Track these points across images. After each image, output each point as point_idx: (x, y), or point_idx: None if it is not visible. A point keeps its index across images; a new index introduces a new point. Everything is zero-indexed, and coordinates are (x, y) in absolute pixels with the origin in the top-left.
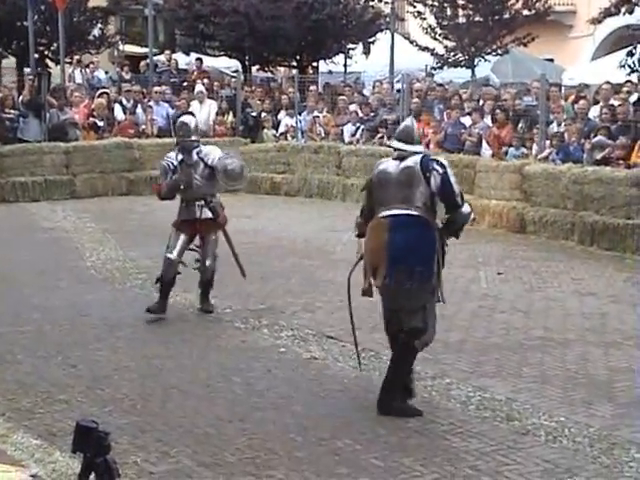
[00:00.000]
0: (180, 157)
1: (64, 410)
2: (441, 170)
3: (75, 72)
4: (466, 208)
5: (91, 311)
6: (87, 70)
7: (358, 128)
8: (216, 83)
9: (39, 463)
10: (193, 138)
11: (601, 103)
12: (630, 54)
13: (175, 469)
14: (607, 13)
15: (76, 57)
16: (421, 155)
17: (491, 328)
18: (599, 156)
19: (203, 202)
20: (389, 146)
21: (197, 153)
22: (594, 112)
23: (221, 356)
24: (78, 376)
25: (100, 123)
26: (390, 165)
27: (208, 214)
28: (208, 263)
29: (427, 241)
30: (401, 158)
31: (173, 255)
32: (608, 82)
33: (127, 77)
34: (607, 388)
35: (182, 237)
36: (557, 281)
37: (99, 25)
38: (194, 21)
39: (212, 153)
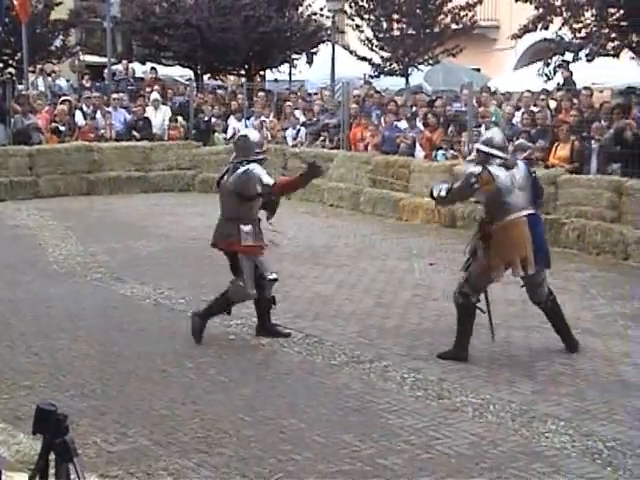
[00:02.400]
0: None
1: (28, 395)
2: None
3: (38, 80)
4: None
5: (54, 303)
6: (49, 78)
7: (299, 131)
8: (170, 90)
9: (4, 445)
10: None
11: (522, 109)
12: (546, 64)
13: (132, 448)
14: (526, 29)
15: (39, 66)
16: (520, 161)
17: (424, 315)
18: (521, 157)
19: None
20: (491, 154)
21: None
22: (517, 117)
23: (175, 343)
24: (41, 364)
25: (62, 128)
26: (507, 173)
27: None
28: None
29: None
30: (507, 166)
31: (254, 292)
32: (528, 90)
33: (87, 85)
34: (527, 368)
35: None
36: None
37: (60, 36)
38: (149, 33)
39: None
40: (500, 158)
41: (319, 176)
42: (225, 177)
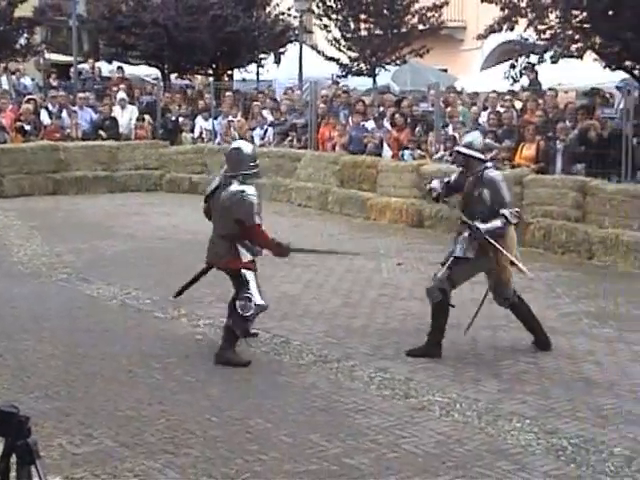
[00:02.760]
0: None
1: None
2: None
3: (2, 79)
4: None
5: (18, 303)
6: (14, 77)
7: (266, 131)
8: (137, 90)
9: None
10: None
11: (489, 110)
12: (512, 66)
13: (97, 450)
14: (491, 30)
15: (2, 64)
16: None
17: (391, 314)
18: (487, 157)
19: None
20: (471, 156)
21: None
22: (483, 118)
23: (142, 344)
24: (5, 365)
25: (27, 127)
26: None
27: None
28: None
29: None
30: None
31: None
32: (494, 91)
33: (54, 84)
34: (493, 366)
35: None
36: None
37: (25, 34)
38: (116, 32)
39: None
40: (481, 161)
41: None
42: (217, 191)
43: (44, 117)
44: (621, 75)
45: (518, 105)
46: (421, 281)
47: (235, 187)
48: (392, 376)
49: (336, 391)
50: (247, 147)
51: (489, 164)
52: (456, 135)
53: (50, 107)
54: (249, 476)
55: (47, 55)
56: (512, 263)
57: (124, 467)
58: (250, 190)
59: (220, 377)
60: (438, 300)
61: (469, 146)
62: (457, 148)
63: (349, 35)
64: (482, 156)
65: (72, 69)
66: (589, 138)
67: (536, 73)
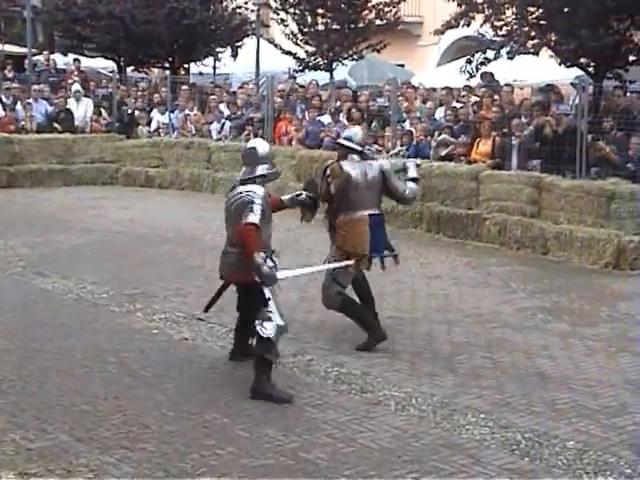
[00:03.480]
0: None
1: None
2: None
3: None
4: None
5: None
6: None
7: (223, 125)
8: (93, 82)
9: None
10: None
11: (445, 105)
12: (469, 61)
13: (52, 445)
14: (448, 26)
15: None
16: (376, 162)
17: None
18: (444, 153)
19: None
20: (350, 148)
21: None
22: (439, 113)
23: (97, 338)
24: None
25: None
26: (359, 172)
27: None
28: None
29: None
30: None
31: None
32: (447, 87)
33: (9, 75)
34: (449, 361)
35: None
36: (407, 265)
37: None
38: (71, 23)
39: None
40: (358, 153)
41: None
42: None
43: None
44: (576, 72)
45: (473, 101)
46: (376, 276)
47: (242, 187)
48: (348, 371)
49: (292, 386)
50: (263, 146)
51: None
52: (412, 130)
53: (4, 99)
54: (205, 471)
55: (1, 46)
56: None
57: (79, 462)
58: (257, 189)
59: (176, 372)
60: (340, 302)
61: (349, 139)
62: (339, 140)
63: (306, 29)
64: (359, 148)
65: (26, 61)
66: (544, 134)
67: (491, 74)
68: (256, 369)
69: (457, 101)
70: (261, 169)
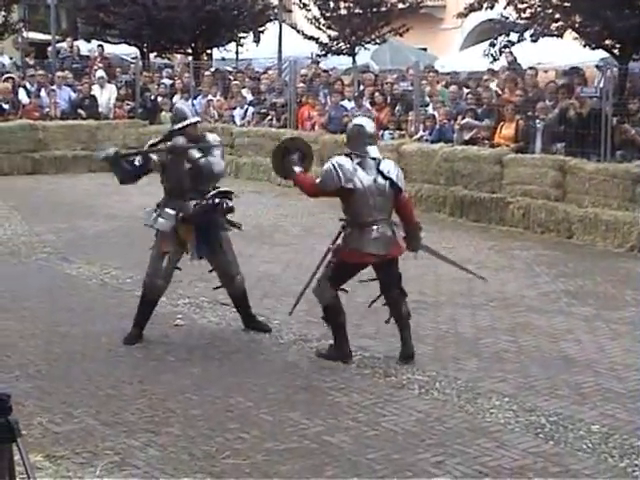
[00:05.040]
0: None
1: None
2: None
3: None
4: None
5: None
6: None
7: (246, 110)
8: (118, 69)
9: None
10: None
11: (468, 89)
12: (492, 45)
13: (79, 428)
14: (471, 8)
15: None
16: None
17: (371, 293)
18: (467, 136)
19: None
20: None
21: None
22: (462, 96)
23: (122, 323)
24: None
25: (5, 106)
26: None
27: None
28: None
29: None
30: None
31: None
32: (470, 72)
33: (31, 63)
34: (473, 345)
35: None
36: None
37: (2, 12)
38: (94, 10)
39: None
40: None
41: None
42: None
43: (22, 96)
44: (601, 54)
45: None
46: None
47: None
48: (372, 354)
49: (316, 370)
50: (370, 124)
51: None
52: (435, 114)
53: (28, 86)
54: (229, 454)
55: (25, 34)
56: None
57: (105, 445)
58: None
59: (200, 356)
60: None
61: None
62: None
63: (328, 14)
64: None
65: (50, 48)
66: (568, 117)
67: (514, 57)
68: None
69: (479, 85)
70: (363, 145)
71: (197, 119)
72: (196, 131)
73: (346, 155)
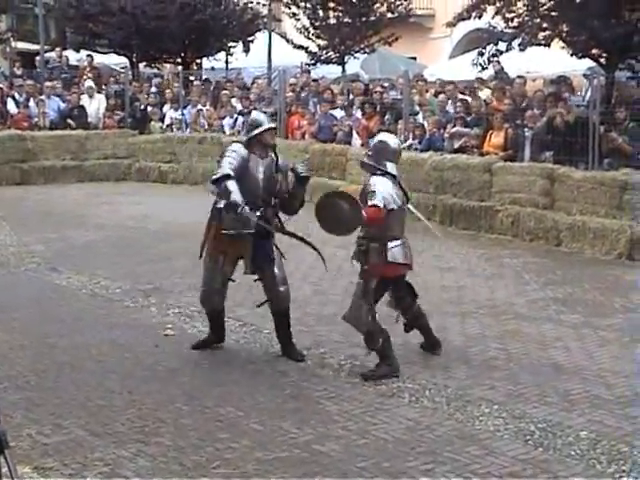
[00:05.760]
0: None
1: None
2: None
3: None
4: None
5: None
6: None
7: (236, 120)
8: (112, 78)
9: None
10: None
11: (457, 97)
12: (481, 54)
13: (68, 439)
14: (460, 17)
15: None
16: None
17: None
18: (457, 145)
19: None
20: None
21: None
22: (450, 105)
23: (112, 333)
24: None
25: None
26: None
27: None
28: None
29: None
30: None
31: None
32: (451, 82)
33: (19, 73)
34: (462, 353)
35: None
36: (420, 258)
37: None
38: (83, 20)
39: None
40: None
41: None
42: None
43: (11, 106)
44: (588, 63)
45: (486, 93)
46: None
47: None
48: (362, 363)
49: (306, 379)
50: (394, 141)
51: None
52: (425, 123)
53: (17, 96)
54: (220, 464)
55: (13, 43)
56: None
57: (94, 456)
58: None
59: (191, 366)
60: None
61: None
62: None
63: (318, 23)
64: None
65: (39, 57)
66: (555, 125)
67: (502, 66)
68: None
69: (468, 94)
70: (384, 163)
71: (272, 125)
72: (272, 138)
73: (382, 175)
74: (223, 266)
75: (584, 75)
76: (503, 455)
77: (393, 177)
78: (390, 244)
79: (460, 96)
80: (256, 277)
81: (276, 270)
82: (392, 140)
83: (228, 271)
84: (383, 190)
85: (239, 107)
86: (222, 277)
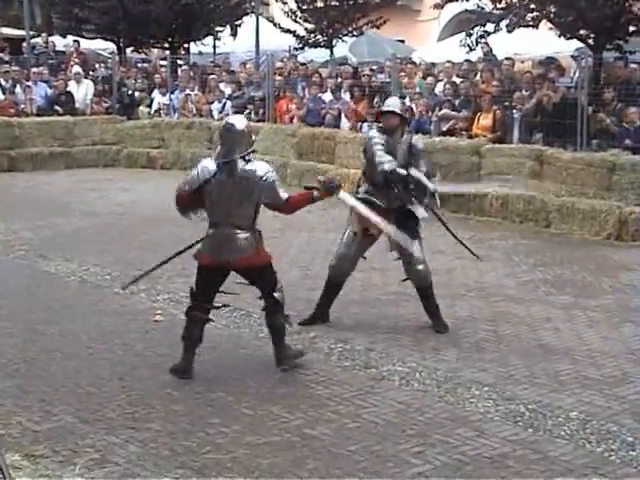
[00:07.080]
0: None
1: None
2: None
3: None
4: None
5: None
6: None
7: (224, 105)
8: (98, 64)
9: None
10: None
11: (445, 80)
12: (468, 35)
13: (58, 426)
14: None
15: None
16: None
17: (351, 286)
18: (445, 127)
19: None
20: None
21: None
22: (440, 88)
23: (101, 320)
24: None
25: None
26: None
27: None
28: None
29: None
30: None
31: None
32: (449, 61)
33: (6, 59)
34: (452, 335)
35: None
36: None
37: None
38: (69, 5)
39: None
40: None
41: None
42: (216, 178)
43: None
44: (576, 44)
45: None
46: (379, 253)
47: (250, 167)
48: (352, 347)
49: (297, 363)
50: (241, 123)
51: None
52: (413, 106)
53: (3, 82)
54: (210, 449)
55: None
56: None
57: (85, 443)
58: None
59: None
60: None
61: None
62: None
63: (305, 7)
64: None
65: (25, 43)
66: (543, 106)
67: (490, 48)
68: (283, 342)
69: (457, 75)
70: (245, 148)
71: (391, 108)
72: (392, 121)
73: None
74: (362, 240)
75: (572, 56)
76: (493, 437)
77: None
78: None
79: (455, 79)
80: (397, 256)
81: (415, 249)
82: (240, 122)
83: (364, 246)
84: None
85: (228, 92)
86: (358, 248)
